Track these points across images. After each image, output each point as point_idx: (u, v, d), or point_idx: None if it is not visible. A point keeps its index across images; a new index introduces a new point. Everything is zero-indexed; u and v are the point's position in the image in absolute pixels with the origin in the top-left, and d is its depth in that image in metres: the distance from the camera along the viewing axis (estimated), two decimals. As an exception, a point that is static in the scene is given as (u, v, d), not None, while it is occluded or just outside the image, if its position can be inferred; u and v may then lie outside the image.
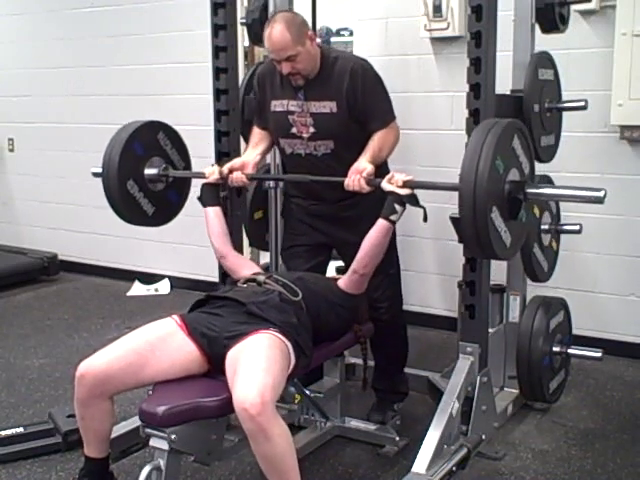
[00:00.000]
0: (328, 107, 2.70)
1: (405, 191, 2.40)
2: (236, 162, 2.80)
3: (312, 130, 2.74)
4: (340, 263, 3.15)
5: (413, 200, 2.43)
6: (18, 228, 5.87)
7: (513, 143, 2.23)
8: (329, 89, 2.69)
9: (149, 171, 2.84)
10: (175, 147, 2.96)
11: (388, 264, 2.88)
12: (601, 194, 2.17)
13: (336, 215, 2.83)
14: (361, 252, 2.51)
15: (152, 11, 4.87)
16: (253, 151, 2.88)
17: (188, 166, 3.03)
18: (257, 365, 2.03)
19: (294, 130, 2.77)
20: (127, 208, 2.81)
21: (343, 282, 2.59)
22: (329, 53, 2.73)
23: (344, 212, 2.80)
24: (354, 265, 2.54)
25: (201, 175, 2.80)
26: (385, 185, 2.43)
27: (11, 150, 5.81)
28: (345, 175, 2.56)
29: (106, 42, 5.10)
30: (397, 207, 2.40)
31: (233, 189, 2.90)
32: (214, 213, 2.75)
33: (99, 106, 5.20)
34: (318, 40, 2.86)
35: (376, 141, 2.66)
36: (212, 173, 2.75)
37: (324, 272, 2.93)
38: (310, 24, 3.51)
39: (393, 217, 2.42)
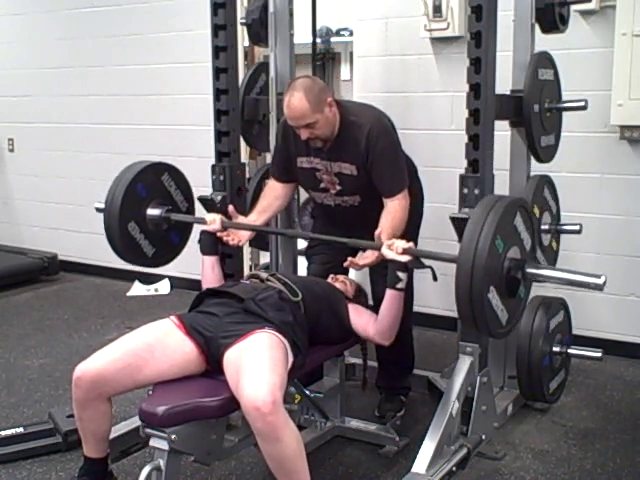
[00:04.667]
0: (349, 169, 2.71)
1: (406, 258, 2.34)
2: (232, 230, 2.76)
3: (338, 187, 2.76)
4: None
5: (417, 264, 2.38)
6: (18, 228, 5.87)
7: (515, 221, 2.18)
8: (348, 153, 2.68)
9: (151, 212, 2.82)
10: (179, 188, 2.93)
11: None
12: (601, 281, 2.12)
13: (361, 223, 2.83)
14: (382, 324, 2.47)
15: (152, 11, 4.87)
16: (256, 219, 2.82)
17: (191, 207, 2.99)
18: (263, 364, 2.03)
19: (323, 185, 2.79)
20: (127, 249, 2.79)
21: (360, 329, 2.54)
22: (348, 115, 2.69)
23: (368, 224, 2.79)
24: (376, 336, 2.51)
25: (202, 221, 2.76)
26: (386, 252, 2.37)
27: (11, 150, 5.81)
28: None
29: (106, 42, 5.10)
30: (401, 275, 2.36)
31: (233, 189, 2.91)
32: (210, 263, 2.72)
33: (99, 106, 5.21)
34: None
35: (390, 222, 2.60)
36: (213, 221, 2.71)
37: (345, 272, 2.91)
38: (310, 24, 3.52)
39: (399, 285, 2.38)
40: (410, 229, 2.73)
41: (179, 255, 3.01)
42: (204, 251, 2.73)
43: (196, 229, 2.91)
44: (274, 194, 2.89)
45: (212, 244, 2.73)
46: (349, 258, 2.52)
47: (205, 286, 2.69)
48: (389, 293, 2.42)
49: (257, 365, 2.03)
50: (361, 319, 2.57)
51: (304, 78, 2.70)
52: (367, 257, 2.53)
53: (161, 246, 2.89)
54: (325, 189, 2.80)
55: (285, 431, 1.94)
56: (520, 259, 2.19)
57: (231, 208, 2.80)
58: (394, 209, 2.64)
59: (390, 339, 2.51)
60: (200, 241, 2.75)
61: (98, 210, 2.82)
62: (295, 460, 1.99)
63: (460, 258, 2.08)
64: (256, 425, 1.93)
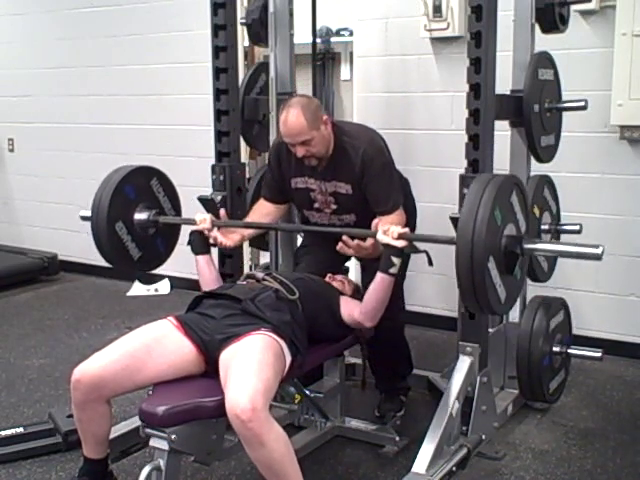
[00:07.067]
0: (344, 189, 2.71)
1: (401, 243, 2.35)
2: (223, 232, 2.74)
3: (334, 207, 2.77)
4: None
5: (412, 249, 2.40)
6: (18, 228, 5.87)
7: (511, 198, 2.21)
8: (342, 172, 2.69)
9: (139, 216, 2.79)
10: (167, 195, 2.90)
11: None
12: (599, 251, 2.14)
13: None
14: (367, 305, 2.48)
15: (152, 11, 4.87)
16: (244, 230, 2.82)
17: (178, 215, 2.96)
18: (248, 369, 2.02)
19: (317, 205, 2.80)
20: (113, 250, 2.75)
21: (347, 317, 2.53)
22: (342, 135, 2.70)
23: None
24: (360, 317, 2.51)
25: (192, 222, 2.73)
26: (381, 237, 2.38)
27: (11, 150, 5.81)
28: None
29: (106, 42, 5.10)
30: (394, 259, 2.37)
31: (233, 189, 2.90)
32: (204, 261, 2.71)
33: (99, 106, 5.21)
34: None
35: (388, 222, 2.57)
36: (203, 221, 2.70)
37: (339, 271, 2.91)
38: (310, 24, 3.52)
39: (392, 270, 2.38)
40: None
41: (163, 264, 2.97)
42: (196, 251, 2.72)
43: (182, 238, 2.90)
44: (265, 211, 2.88)
45: (203, 243, 2.71)
46: (343, 237, 2.50)
47: (204, 285, 2.69)
48: (380, 276, 2.41)
49: (242, 370, 2.02)
50: (348, 306, 2.56)
51: (300, 96, 2.71)
52: (364, 246, 2.49)
53: (147, 251, 2.84)
54: (319, 209, 2.80)
55: (269, 436, 1.93)
56: (517, 235, 2.21)
57: (222, 212, 2.79)
58: (390, 220, 2.62)
59: (373, 320, 2.50)
60: (190, 242, 2.73)
61: (83, 218, 2.80)
62: (283, 463, 1.98)
63: (460, 228, 2.09)
64: (239, 431, 1.94)
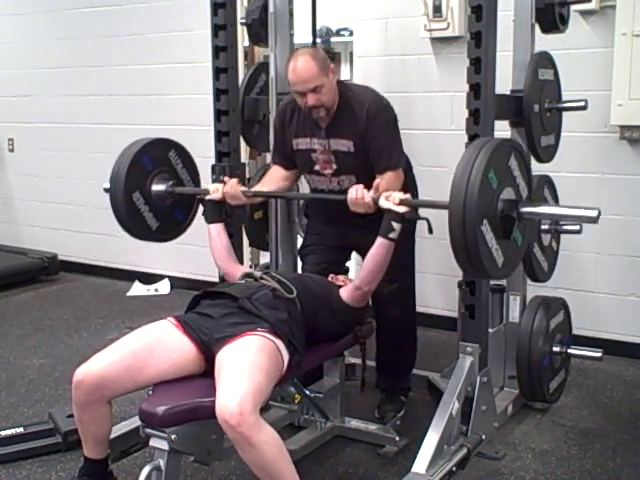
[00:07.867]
0: (346, 146, 2.72)
1: (402, 209, 2.39)
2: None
3: (334, 167, 2.77)
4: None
5: (413, 215, 2.44)
6: (18, 228, 5.87)
7: (510, 162, 2.19)
8: (346, 129, 2.70)
9: (156, 187, 2.85)
10: (186, 167, 2.96)
11: (402, 267, 2.87)
12: (594, 214, 2.14)
13: (356, 222, 2.80)
14: (364, 270, 2.50)
15: (152, 11, 4.87)
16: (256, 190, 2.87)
17: (197, 186, 3.01)
18: (239, 372, 2.02)
19: (317, 167, 2.80)
20: (131, 220, 2.81)
21: (346, 294, 2.55)
22: (346, 90, 2.72)
23: (363, 221, 2.76)
24: (357, 282, 2.53)
25: (205, 192, 2.81)
26: (383, 202, 2.42)
27: (11, 150, 5.81)
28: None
29: (106, 42, 5.11)
30: (395, 225, 2.40)
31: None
32: (216, 230, 2.76)
33: (99, 106, 5.21)
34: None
35: (385, 181, 2.59)
36: (216, 190, 2.76)
37: (340, 271, 2.93)
38: (310, 24, 3.52)
39: (392, 235, 2.41)
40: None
41: (182, 234, 3.02)
42: (209, 219, 2.77)
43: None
44: (276, 175, 2.92)
45: (216, 211, 2.77)
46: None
47: (215, 256, 2.74)
48: (379, 241, 2.43)
49: (233, 373, 2.02)
50: (346, 288, 2.58)
51: (305, 47, 2.75)
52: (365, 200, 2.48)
53: (165, 221, 2.91)
54: (319, 172, 2.80)
55: (259, 438, 1.93)
56: (513, 199, 2.18)
57: (227, 180, 2.81)
58: (389, 177, 2.63)
59: (370, 286, 2.51)
60: (204, 211, 2.80)
61: (105, 190, 2.84)
62: (276, 464, 1.99)
63: (453, 190, 2.06)
64: (229, 434, 1.94)
